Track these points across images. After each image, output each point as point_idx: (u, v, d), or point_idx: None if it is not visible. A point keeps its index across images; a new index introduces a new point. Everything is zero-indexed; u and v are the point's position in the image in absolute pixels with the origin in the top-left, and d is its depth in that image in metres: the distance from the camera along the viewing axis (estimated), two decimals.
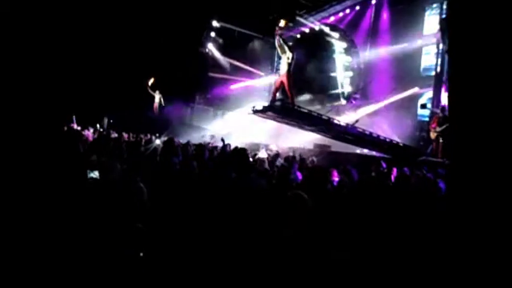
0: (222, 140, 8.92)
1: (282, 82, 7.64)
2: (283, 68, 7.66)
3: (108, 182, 2.35)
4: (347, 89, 13.98)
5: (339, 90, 14.21)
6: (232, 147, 7.81)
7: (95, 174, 2.42)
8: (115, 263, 1.61)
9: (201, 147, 6.73)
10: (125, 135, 9.29)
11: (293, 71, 7.68)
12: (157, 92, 13.85)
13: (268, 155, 7.41)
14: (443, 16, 9.71)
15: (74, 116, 9.14)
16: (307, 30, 15.44)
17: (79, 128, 8.18)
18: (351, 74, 13.90)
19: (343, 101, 13.99)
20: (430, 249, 2.03)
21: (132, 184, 2.07)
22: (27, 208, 1.85)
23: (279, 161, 6.39)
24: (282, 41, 7.58)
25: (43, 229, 1.66)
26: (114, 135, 8.62)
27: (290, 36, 16.41)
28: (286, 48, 7.53)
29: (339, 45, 14.24)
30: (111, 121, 12.68)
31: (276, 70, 15.93)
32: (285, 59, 7.54)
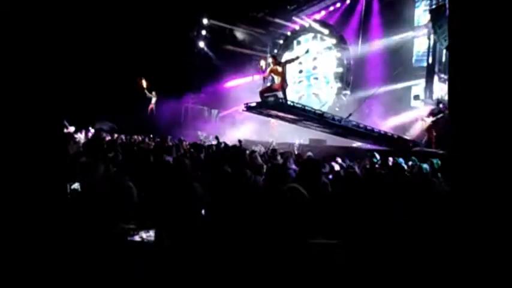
0: (217, 138, 8.89)
1: (276, 88, 7.67)
2: (277, 80, 7.67)
3: (90, 187, 2.28)
4: (337, 84, 14.03)
5: (330, 86, 14.26)
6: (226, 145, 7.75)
7: (76, 185, 2.35)
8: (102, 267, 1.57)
9: (196, 145, 6.69)
10: (116, 136, 9.18)
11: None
12: (153, 93, 13.76)
13: (266, 150, 7.37)
14: (433, 7, 9.76)
15: (65, 121, 8.97)
16: (297, 28, 15.42)
17: (71, 130, 8.02)
18: (340, 69, 13.92)
19: (334, 97, 14.05)
20: (425, 238, 2.01)
21: (120, 183, 2.02)
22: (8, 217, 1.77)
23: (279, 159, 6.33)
24: (276, 67, 7.61)
25: (25, 238, 1.59)
26: (108, 137, 8.50)
27: (281, 34, 16.39)
28: (280, 70, 7.55)
29: (328, 42, 14.25)
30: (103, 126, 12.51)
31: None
32: (280, 75, 7.57)
